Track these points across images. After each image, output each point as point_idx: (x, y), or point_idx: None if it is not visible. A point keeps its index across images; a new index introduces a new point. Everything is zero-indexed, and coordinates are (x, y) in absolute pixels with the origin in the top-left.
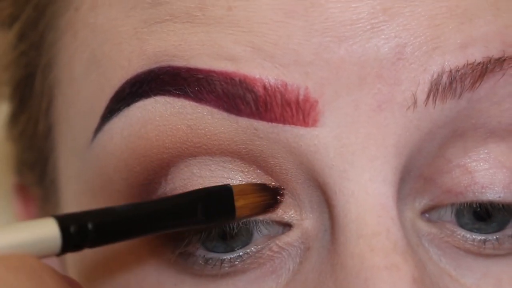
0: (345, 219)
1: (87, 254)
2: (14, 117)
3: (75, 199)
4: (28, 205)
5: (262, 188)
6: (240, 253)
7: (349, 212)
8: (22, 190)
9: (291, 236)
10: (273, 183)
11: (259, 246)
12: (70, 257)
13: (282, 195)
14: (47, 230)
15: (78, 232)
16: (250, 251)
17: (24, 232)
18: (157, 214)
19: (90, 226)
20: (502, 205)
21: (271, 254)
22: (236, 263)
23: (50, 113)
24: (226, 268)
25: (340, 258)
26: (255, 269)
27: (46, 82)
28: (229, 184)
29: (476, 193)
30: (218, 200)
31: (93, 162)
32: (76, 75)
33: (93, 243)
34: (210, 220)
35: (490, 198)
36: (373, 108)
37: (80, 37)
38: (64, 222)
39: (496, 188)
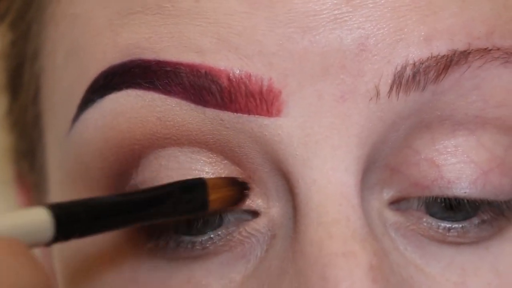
0: (307, 207)
1: (67, 244)
2: (9, 107)
3: (58, 187)
4: (28, 193)
5: (232, 182)
6: (211, 235)
7: (310, 200)
8: (21, 179)
9: (258, 223)
10: (241, 177)
11: (229, 229)
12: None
13: (248, 188)
14: (38, 219)
15: (70, 221)
16: (221, 233)
17: (15, 220)
18: (140, 205)
19: (83, 215)
20: (467, 200)
21: (241, 238)
22: (207, 245)
23: (37, 102)
24: (198, 251)
25: (300, 245)
26: (226, 252)
27: (33, 71)
28: (203, 178)
29: (442, 188)
30: (192, 193)
31: (72, 150)
32: (57, 65)
33: (82, 233)
34: (183, 213)
35: (456, 194)
36: (336, 98)
37: (60, 28)
38: (56, 211)
39: (462, 184)
